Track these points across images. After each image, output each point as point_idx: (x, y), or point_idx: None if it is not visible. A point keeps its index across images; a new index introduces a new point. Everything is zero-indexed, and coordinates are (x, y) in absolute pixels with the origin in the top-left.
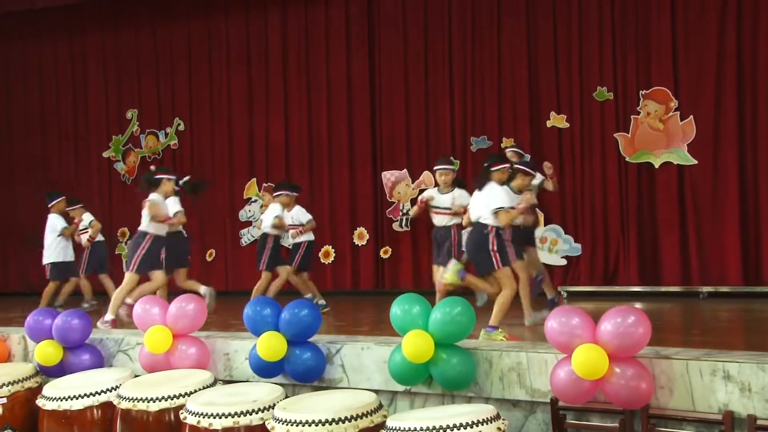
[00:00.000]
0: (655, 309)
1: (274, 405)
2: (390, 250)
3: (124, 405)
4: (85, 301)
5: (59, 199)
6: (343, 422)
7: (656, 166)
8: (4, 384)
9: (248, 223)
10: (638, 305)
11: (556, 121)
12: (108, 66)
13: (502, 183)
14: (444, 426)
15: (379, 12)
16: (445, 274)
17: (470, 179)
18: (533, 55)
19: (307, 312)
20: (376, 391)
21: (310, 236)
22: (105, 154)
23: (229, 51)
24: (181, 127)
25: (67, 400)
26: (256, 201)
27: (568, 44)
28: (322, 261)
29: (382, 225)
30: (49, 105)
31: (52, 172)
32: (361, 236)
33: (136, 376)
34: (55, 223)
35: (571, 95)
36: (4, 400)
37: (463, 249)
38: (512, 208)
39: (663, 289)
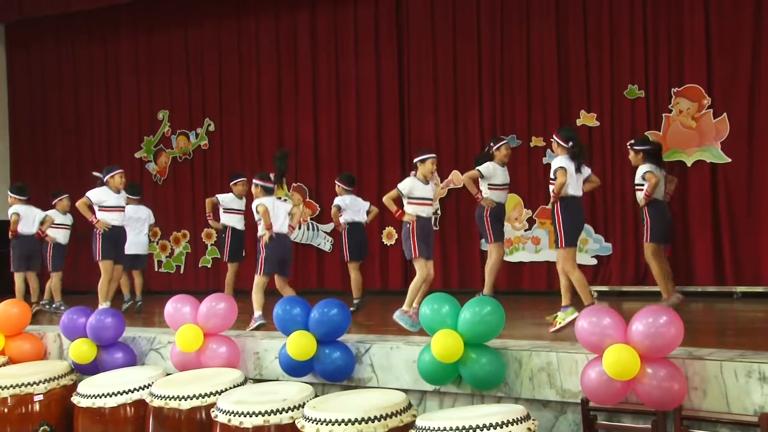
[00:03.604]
0: (687, 309)
1: (304, 404)
2: None
3: (157, 403)
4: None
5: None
6: (373, 421)
7: (688, 165)
8: (40, 381)
9: None
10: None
11: (587, 119)
12: (140, 67)
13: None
14: (474, 426)
15: (408, 11)
16: None
17: None
18: (563, 52)
19: (337, 311)
20: (406, 391)
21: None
22: (137, 155)
23: (259, 51)
24: (212, 128)
25: (101, 397)
26: (285, 200)
27: (599, 41)
28: None
29: None
30: (82, 106)
31: (85, 173)
32: (389, 236)
33: (168, 374)
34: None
35: (602, 93)
36: (41, 397)
37: None
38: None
39: (696, 288)
